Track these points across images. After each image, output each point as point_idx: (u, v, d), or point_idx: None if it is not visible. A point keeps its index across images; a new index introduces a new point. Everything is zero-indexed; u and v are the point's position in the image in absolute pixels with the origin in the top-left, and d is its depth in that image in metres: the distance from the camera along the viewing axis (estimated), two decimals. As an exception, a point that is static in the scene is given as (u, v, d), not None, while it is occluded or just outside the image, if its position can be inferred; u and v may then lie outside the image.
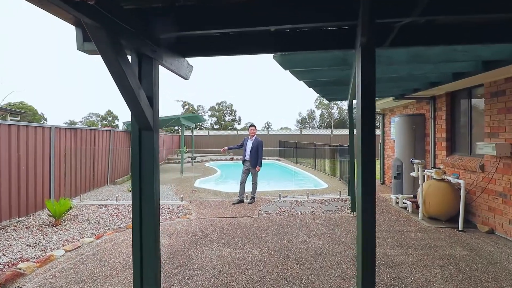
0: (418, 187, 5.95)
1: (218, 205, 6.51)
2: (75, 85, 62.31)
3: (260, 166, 6.61)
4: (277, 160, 18.31)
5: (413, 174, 5.55)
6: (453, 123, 5.77)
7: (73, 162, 7.26)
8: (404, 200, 5.93)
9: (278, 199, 6.99)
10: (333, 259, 3.61)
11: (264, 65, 67.97)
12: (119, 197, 7.34)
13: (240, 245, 4.09)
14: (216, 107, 46.71)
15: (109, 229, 4.88)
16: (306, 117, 52.04)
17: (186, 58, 2.68)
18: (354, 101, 7.04)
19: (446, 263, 3.52)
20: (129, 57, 2.01)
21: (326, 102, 49.15)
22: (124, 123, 10.55)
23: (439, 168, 5.28)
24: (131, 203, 6.95)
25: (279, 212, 5.84)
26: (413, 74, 3.93)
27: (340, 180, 9.94)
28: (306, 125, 50.59)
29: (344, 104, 48.77)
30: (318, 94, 4.92)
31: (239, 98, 68.77)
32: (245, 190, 6.74)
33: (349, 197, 7.07)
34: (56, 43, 65.99)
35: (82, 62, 63.76)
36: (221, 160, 18.08)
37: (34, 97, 60.02)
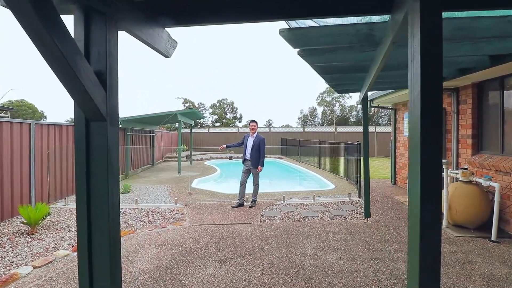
0: (440, 190, 5.32)
1: (216, 208, 5.90)
2: None
3: (262, 166, 5.99)
4: (279, 158, 17.67)
5: (436, 175, 4.90)
6: (480, 117, 5.11)
7: (58, 162, 6.66)
8: (423, 204, 5.28)
9: (282, 202, 6.37)
10: (351, 280, 2.99)
11: (265, 62, 67.13)
12: (108, 199, 6.74)
13: (239, 260, 3.48)
14: (217, 104, 46.05)
15: (90, 238, 4.27)
16: (308, 114, 51.38)
17: (166, 29, 2.05)
18: (370, 93, 6.27)
19: (488, 285, 2.89)
20: (71, 17, 1.38)
21: (328, 99, 48.37)
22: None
23: (466, 169, 4.64)
24: (121, 206, 6.29)
25: (284, 217, 5.22)
26: (445, 57, 3.28)
27: (347, 180, 9.30)
28: (308, 123, 49.95)
29: (347, 102, 47.88)
30: (327, 86, 4.26)
31: (240, 95, 68.01)
32: (246, 192, 6.13)
33: (360, 200, 6.45)
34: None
35: (82, 59, 63.06)
36: (221, 158, 17.47)
37: (35, 95, 59.52)
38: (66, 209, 5.88)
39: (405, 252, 3.69)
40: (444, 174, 4.64)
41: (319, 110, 50.08)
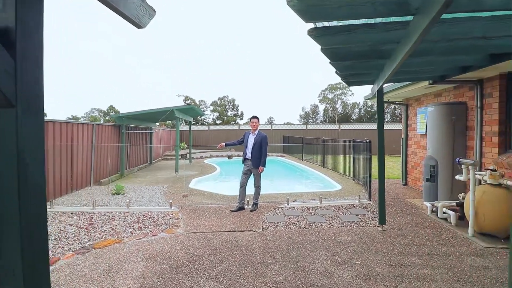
0: (460, 192, 4.79)
1: (214, 212, 5.40)
2: (77, 81, 61.27)
3: (264, 166, 5.47)
4: (281, 156, 17.15)
5: (460, 177, 4.37)
6: (509, 113, 4.57)
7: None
8: (444, 209, 4.76)
9: (286, 205, 5.86)
10: (372, 307, 2.48)
11: (266, 60, 66.34)
12: (97, 202, 6.25)
13: (238, 278, 2.97)
14: (218, 102, 45.51)
15: (70, 249, 3.78)
16: (310, 111, 50.87)
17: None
18: (386, 85, 5.56)
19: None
20: None
21: (330, 96, 47.74)
22: (111, 115, 9.40)
23: (495, 170, 4.10)
24: (110, 210, 5.92)
25: (288, 223, 4.71)
26: (477, 42, 2.75)
27: (354, 180, 8.78)
28: (310, 120, 49.44)
29: (349, 99, 47.31)
30: (328, 84, 3.68)
31: (241, 92, 67.39)
32: (246, 194, 5.62)
33: (371, 203, 5.92)
34: (58, 38, 64.87)
35: (84, 56, 62.60)
36: (221, 156, 16.96)
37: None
38: (50, 213, 5.38)
39: (432, 267, 3.18)
40: (470, 176, 4.11)
41: (321, 107, 49.53)
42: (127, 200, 5.90)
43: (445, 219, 4.76)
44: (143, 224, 4.73)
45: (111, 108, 43.95)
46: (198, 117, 41.72)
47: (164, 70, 63.50)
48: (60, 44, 63.27)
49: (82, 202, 6.24)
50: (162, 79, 62.97)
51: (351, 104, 48.30)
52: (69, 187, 7.09)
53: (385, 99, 7.66)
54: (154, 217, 5.12)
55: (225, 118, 43.48)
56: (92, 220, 4.97)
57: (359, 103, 48.10)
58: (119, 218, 5.08)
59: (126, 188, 7.69)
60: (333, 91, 47.42)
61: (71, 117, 43.49)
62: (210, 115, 44.34)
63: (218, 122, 42.41)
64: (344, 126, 20.45)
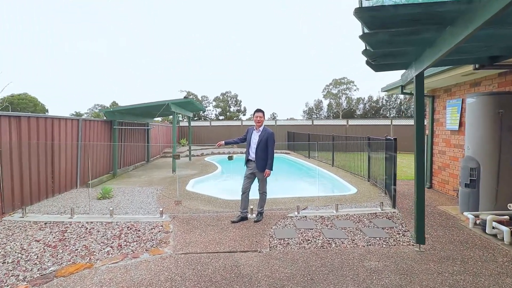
0: (508, 201, 3.88)
1: (212, 223, 4.56)
2: (80, 77, 60.51)
3: (271, 170, 4.61)
4: (286, 153, 16.25)
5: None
6: None
7: (17, 162, 5.36)
8: (494, 223, 3.86)
9: (296, 213, 5.00)
10: None
11: (269, 55, 64.92)
12: (79, 208, 5.44)
13: (239, 333, 2.13)
14: (221, 97, 44.61)
15: (25, 278, 2.96)
16: (314, 107, 49.82)
17: None
18: (398, 77, 4.33)
19: None
20: None
21: (334, 91, 46.53)
22: (100, 110, 8.55)
23: None
24: (90, 220, 4.66)
25: (301, 240, 3.85)
26: None
27: (369, 182, 7.88)
28: (314, 115, 48.43)
29: (354, 94, 45.99)
30: (367, 57, 2.77)
31: (244, 88, 66.32)
32: (250, 198, 4.78)
33: (396, 211, 5.04)
34: (60, 36, 63.97)
35: (87, 53, 61.65)
36: (223, 153, 16.12)
37: (39, 89, 58.59)
38: (22, 222, 4.60)
39: (505, 315, 2.30)
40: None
41: (325, 102, 48.46)
42: (111, 208, 5.07)
43: (495, 235, 3.87)
44: (125, 241, 3.90)
45: (114, 104, 43.23)
46: (201, 113, 40.93)
47: (166, 68, 62.57)
48: (64, 38, 62.47)
49: (61, 209, 5.44)
50: (164, 76, 62.09)
51: (355, 99, 47.14)
52: (50, 191, 6.29)
53: (406, 90, 6.73)
54: (140, 230, 4.29)
55: (227, 114, 42.63)
56: (65, 234, 4.15)
57: (364, 98, 46.92)
58: (98, 231, 4.26)
59: (116, 191, 6.88)
60: (338, 86, 46.27)
61: (74, 113, 42.92)
62: (213, 110, 43.53)
63: (221, 118, 41.57)
64: (352, 122, 19.46)
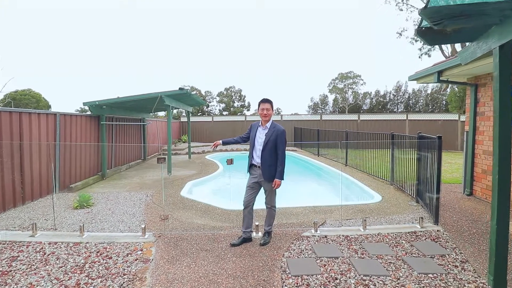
0: None
1: (206, 247, 3.54)
2: (85, 73, 59.70)
3: (282, 179, 3.55)
4: (292, 151, 15.15)
5: None
6: None
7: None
8: None
9: (313, 231, 3.96)
10: None
11: (273, 49, 63.27)
12: (45, 222, 4.47)
13: None
14: (225, 92, 43.50)
15: None
16: (319, 102, 48.41)
17: None
18: (443, 60, 3.25)
19: None
20: None
21: (340, 86, 44.99)
22: (85, 103, 7.58)
23: None
24: (53, 240, 3.53)
25: (326, 280, 2.80)
26: None
27: (393, 186, 6.79)
28: (319, 111, 47.05)
29: (360, 88, 44.38)
30: (428, 22, 1.52)
31: (248, 83, 64.92)
32: (255, 208, 3.75)
33: (440, 229, 3.97)
34: (62, 34, 63.09)
35: (91, 50, 60.76)
36: (225, 150, 15.11)
37: (44, 86, 58.00)
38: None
39: None
40: None
41: (331, 97, 46.97)
42: (82, 224, 4.08)
43: None
44: (87, 275, 2.90)
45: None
46: (205, 108, 39.87)
47: (169, 65, 61.49)
48: (66, 35, 61.61)
49: (26, 222, 4.47)
50: (169, 73, 61.08)
51: (362, 94, 45.59)
52: (19, 198, 5.33)
53: (443, 78, 5.60)
54: (111, 257, 3.29)
55: (231, 109, 41.57)
56: (13, 263, 3.16)
57: (371, 92, 45.31)
58: (58, 258, 3.27)
59: (98, 197, 5.90)
60: (344, 80, 44.77)
61: (79, 109, 42.10)
62: (217, 106, 42.47)
63: (225, 113, 40.52)
64: (364, 117, 18.21)
